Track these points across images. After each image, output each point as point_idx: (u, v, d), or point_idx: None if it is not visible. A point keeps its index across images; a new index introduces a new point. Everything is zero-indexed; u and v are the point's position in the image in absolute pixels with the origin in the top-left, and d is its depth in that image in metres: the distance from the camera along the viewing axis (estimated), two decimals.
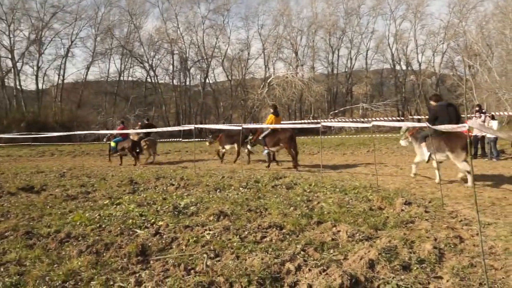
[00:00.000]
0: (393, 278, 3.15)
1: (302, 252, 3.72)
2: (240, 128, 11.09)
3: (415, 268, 3.34)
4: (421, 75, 39.12)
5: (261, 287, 3.04)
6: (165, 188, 7.55)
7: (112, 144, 13.97)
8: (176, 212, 5.43)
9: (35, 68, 39.21)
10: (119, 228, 4.73)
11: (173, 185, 7.78)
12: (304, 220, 4.78)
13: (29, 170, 11.85)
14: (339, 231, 4.34)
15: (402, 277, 3.17)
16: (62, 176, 10.10)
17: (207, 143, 14.43)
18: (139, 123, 15.82)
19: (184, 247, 4.02)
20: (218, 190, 6.99)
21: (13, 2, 37.24)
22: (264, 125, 11.05)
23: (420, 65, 40.19)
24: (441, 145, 7.04)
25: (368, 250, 3.62)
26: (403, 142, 8.79)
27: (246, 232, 4.39)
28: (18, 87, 38.80)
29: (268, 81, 37.65)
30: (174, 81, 42.69)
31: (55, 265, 3.60)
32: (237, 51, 42.80)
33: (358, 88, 43.09)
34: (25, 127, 31.42)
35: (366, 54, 41.86)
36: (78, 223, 5.09)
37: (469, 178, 6.98)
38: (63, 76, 40.36)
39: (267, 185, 7.39)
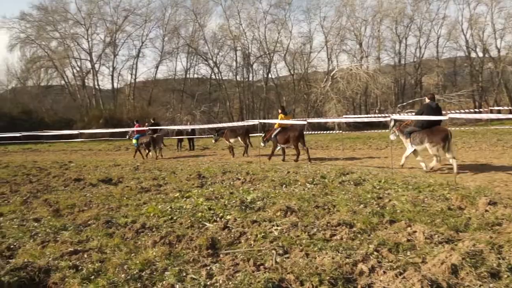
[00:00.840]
0: (480, 286, 2.87)
1: (375, 253, 3.53)
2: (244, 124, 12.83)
3: (505, 276, 3.01)
4: (501, 62, 35.72)
5: None
6: (231, 182, 7.66)
7: (134, 141, 15.78)
8: (243, 207, 5.47)
9: (111, 68, 42.25)
10: (189, 220, 4.87)
11: (239, 179, 7.87)
12: (376, 219, 4.55)
13: (107, 163, 12.75)
14: (414, 231, 4.06)
15: (491, 285, 2.88)
16: (136, 170, 10.71)
17: (213, 141, 15.61)
18: (146, 123, 17.69)
19: (252, 242, 4.01)
20: (284, 186, 6.94)
21: (90, 8, 40.27)
22: (286, 121, 11.77)
23: (499, 51, 36.72)
24: (423, 138, 8.28)
25: (449, 254, 3.33)
26: (391, 136, 9.56)
27: (314, 229, 4.29)
28: (97, 86, 42.16)
29: (331, 74, 36.79)
30: (238, 77, 43.47)
31: (132, 254, 3.78)
32: (299, 45, 42.41)
33: (428, 78, 40.60)
34: (103, 123, 33.96)
35: (437, 42, 39.28)
36: (151, 215, 5.33)
37: (455, 165, 7.87)
38: (135, 75, 43.04)
39: (334, 181, 7.19)
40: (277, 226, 4.47)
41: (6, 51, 72.18)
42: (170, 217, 5.15)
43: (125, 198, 6.64)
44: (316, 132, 22.77)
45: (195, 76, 44.70)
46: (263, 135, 12.59)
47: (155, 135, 14.96)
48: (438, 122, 8.47)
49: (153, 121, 16.81)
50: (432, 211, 4.85)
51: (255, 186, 7.13)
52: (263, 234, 4.18)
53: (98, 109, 39.50)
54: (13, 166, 13.39)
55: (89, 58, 41.24)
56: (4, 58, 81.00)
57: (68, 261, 3.63)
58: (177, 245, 4.00)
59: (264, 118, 37.05)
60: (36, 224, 5.18)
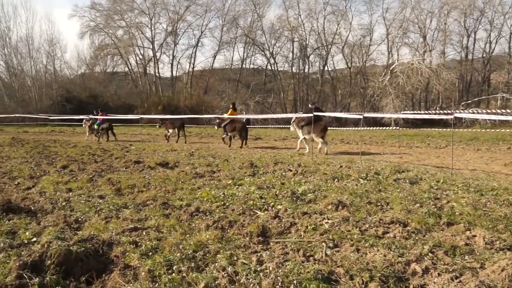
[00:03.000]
0: None
1: (430, 254, 3.41)
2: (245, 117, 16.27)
3: None
4: None
5: (384, 285, 2.88)
6: (283, 173, 7.70)
7: (95, 126, 18.59)
8: (294, 198, 5.49)
9: (171, 57, 43.82)
10: (241, 208, 4.99)
11: (290, 170, 7.89)
12: (432, 219, 4.38)
13: (164, 148, 13.33)
14: (474, 235, 3.86)
15: None
16: (191, 155, 11.09)
17: (216, 127, 17.08)
18: (94, 112, 20.49)
19: (302, 233, 4.04)
20: (336, 180, 6.85)
21: None
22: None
23: None
24: (310, 130, 12.00)
25: (511, 261, 3.13)
26: (291, 128, 13.74)
27: (366, 225, 4.22)
28: (157, 74, 44.00)
29: (390, 68, 35.42)
30: (293, 68, 43.24)
31: (187, 235, 3.96)
32: (359, 37, 41.28)
33: (498, 75, 37.73)
34: (162, 110, 35.43)
35: (510, 37, 36.23)
36: (205, 199, 5.53)
37: (325, 148, 11.92)
38: (193, 64, 44.26)
39: (389, 178, 6.98)
40: (328, 219, 4.45)
41: (77, 39, 77.58)
42: (222, 203, 5.31)
43: (180, 182, 6.92)
44: (371, 128, 22.10)
45: (251, 66, 45.11)
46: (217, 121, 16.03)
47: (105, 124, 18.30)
48: (320, 119, 12.42)
49: (101, 111, 20.07)
50: (494, 216, 4.56)
51: (306, 178, 7.12)
52: (313, 226, 4.19)
53: (157, 95, 41.24)
54: (80, 146, 14.42)
55: (151, 47, 43.06)
56: (75, 45, 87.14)
57: (128, 237, 3.88)
58: (229, 230, 4.13)
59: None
60: (100, 200, 5.57)
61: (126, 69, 45.98)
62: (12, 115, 30.18)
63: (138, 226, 4.25)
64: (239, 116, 15.95)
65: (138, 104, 39.47)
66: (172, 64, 44.02)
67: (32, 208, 5.15)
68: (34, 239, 3.85)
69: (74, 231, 4.18)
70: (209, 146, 13.83)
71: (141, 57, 44.30)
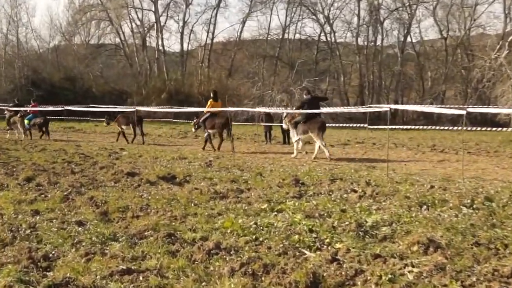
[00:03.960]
0: None
1: None
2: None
3: None
4: None
5: None
6: (344, 195, 7.64)
7: (26, 121, 20.88)
8: (360, 233, 5.43)
9: (181, 23, 44.57)
10: (281, 244, 4.98)
11: (355, 191, 7.82)
12: None
13: (169, 155, 13.58)
14: None
15: None
16: (208, 166, 11.22)
17: (105, 124, 20.65)
18: (11, 104, 24.39)
19: (373, 286, 3.98)
20: (425, 207, 6.73)
21: None
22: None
23: None
24: (305, 128, 13.72)
25: None
26: (284, 126, 16.33)
27: (472, 279, 4.10)
28: (160, 48, 44.69)
29: (509, 39, 34.43)
30: (359, 40, 42.91)
31: (202, 283, 3.99)
32: None
33: None
34: (166, 99, 36.10)
35: None
36: (229, 231, 5.56)
37: (325, 151, 13.48)
38: (213, 34, 44.72)
39: (507, 207, 6.76)
40: (413, 266, 4.36)
41: None
42: (254, 236, 5.32)
43: (193, 204, 7.00)
44: (478, 129, 21.49)
45: (297, 36, 45.16)
46: (195, 120, 18.14)
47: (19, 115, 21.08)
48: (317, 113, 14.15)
49: (17, 102, 23.75)
50: None
51: (379, 203, 7.03)
52: (389, 276, 4.12)
53: (160, 78, 41.94)
54: (51, 150, 14.93)
55: (153, 8, 43.99)
56: (47, 7, 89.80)
57: (119, 283, 3.96)
58: (263, 278, 4.13)
59: (397, 103, 36.11)
60: (79, 229, 5.71)
61: (118, 40, 47.32)
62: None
63: (133, 267, 4.32)
64: (226, 109, 17.79)
65: (133, 90, 40.44)
66: (182, 34, 44.90)
67: None
68: None
69: (42, 272, 4.30)
70: (233, 153, 13.95)
71: (138, 23, 45.44)
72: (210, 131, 16.22)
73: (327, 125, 15.25)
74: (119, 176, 9.51)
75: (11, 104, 24.13)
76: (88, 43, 48.41)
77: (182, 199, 7.32)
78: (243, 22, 44.31)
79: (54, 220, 6.07)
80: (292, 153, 14.33)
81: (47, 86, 39.76)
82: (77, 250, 4.91)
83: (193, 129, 19.36)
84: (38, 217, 6.24)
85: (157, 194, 7.75)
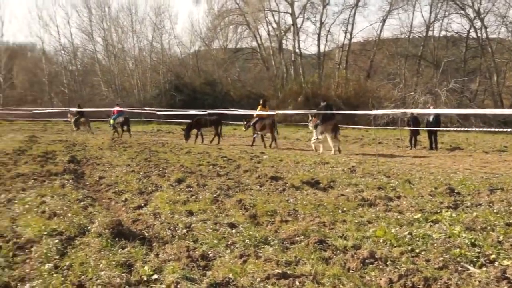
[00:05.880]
0: None
1: None
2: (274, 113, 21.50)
3: None
4: None
5: None
6: (506, 207, 7.18)
7: (111, 121, 26.32)
8: None
9: (317, 24, 44.77)
10: (441, 258, 4.81)
11: None
12: None
13: (311, 160, 13.76)
14: None
15: None
16: (352, 172, 11.18)
17: (244, 129, 23.20)
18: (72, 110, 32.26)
19: None
20: None
21: None
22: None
23: None
24: (322, 129, 17.54)
25: None
26: (310, 127, 19.71)
27: None
28: (297, 50, 45.31)
29: None
30: None
31: None
32: None
33: None
34: (303, 102, 36.54)
35: None
36: (381, 240, 5.49)
37: (332, 149, 17.26)
38: (351, 34, 44.48)
39: None
40: None
41: (191, 4, 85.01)
42: (410, 247, 5.20)
43: (340, 211, 7.01)
44: None
45: (442, 34, 43.31)
46: (245, 123, 22.23)
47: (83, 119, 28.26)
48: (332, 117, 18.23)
49: (79, 107, 29.85)
50: None
51: None
52: None
53: (297, 81, 42.58)
54: (196, 153, 15.79)
55: (290, 11, 44.80)
56: (188, 13, 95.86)
57: (276, 287, 4.10)
58: None
59: None
60: (231, 230, 5.99)
61: (254, 43, 48.79)
62: (110, 109, 34.71)
63: (288, 272, 4.44)
64: (269, 113, 20.99)
65: (270, 93, 41.36)
66: (319, 35, 45.15)
67: (146, 234, 5.82)
68: (155, 276, 4.35)
69: (202, 270, 4.59)
70: (378, 159, 13.72)
71: (275, 26, 46.47)
72: (259, 132, 20.21)
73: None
74: (263, 180, 9.80)
75: (73, 110, 31.27)
76: (226, 48, 50.45)
77: (329, 205, 7.36)
78: (383, 21, 43.58)
79: (207, 221, 6.41)
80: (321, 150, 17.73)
81: (189, 91, 41.94)
82: (231, 251, 5.16)
83: (244, 128, 23.08)
84: (192, 218, 6.65)
85: (303, 199, 7.87)
